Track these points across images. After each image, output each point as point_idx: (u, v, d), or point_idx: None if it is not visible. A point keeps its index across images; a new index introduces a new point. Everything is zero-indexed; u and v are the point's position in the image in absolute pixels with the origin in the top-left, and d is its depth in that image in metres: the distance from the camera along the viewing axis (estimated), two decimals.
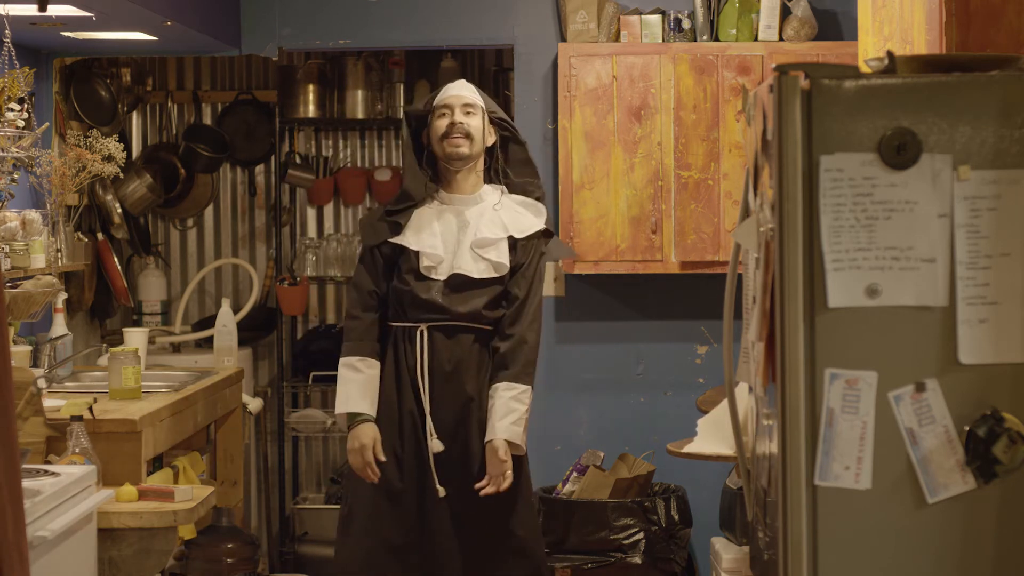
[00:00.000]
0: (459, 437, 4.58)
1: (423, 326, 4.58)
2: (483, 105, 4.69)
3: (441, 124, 4.63)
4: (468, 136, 4.62)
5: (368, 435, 4.53)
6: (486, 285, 4.60)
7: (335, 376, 4.47)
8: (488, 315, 4.60)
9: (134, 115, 7.19)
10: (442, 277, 4.60)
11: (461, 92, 4.68)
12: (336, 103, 7.07)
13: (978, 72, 3.10)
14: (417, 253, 4.61)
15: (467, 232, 4.63)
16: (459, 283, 4.59)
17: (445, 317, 4.58)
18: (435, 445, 4.55)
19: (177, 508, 4.35)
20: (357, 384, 4.59)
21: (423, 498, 4.58)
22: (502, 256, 4.61)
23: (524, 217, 4.68)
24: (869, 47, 4.23)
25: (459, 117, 4.62)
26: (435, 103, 4.69)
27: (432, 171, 4.70)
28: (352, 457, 4.56)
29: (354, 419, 4.57)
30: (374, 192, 7.25)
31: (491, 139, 4.71)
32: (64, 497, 3.83)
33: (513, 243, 4.64)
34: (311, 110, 6.99)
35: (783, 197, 3.07)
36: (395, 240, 4.64)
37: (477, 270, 4.60)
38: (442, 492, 4.54)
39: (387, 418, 4.59)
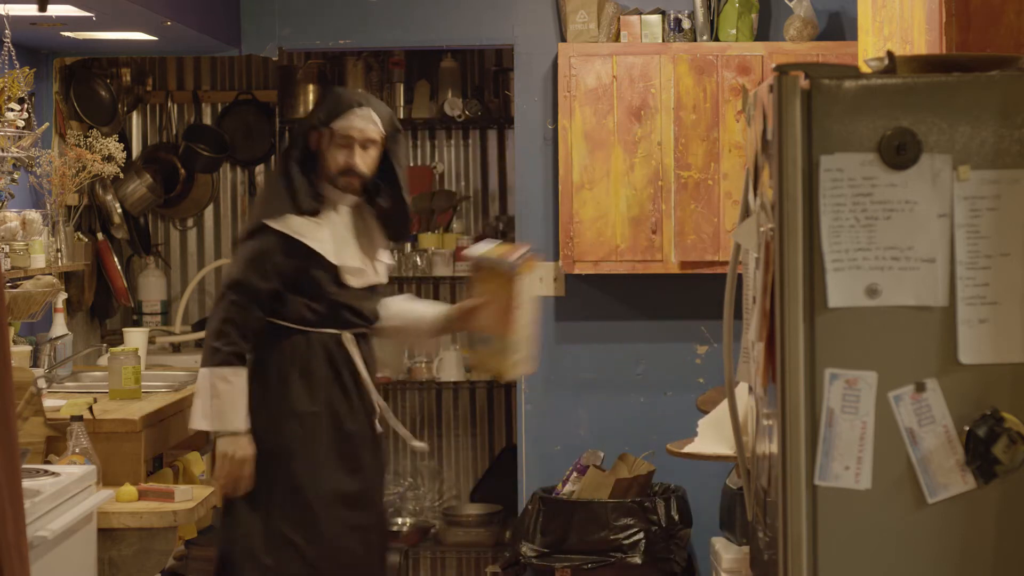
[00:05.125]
0: None
1: None
2: (384, 131, 4.50)
3: (339, 158, 4.45)
4: (362, 177, 4.47)
5: None
6: None
7: None
8: None
9: (134, 115, 7.19)
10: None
11: (366, 126, 4.46)
12: None
13: (978, 72, 3.10)
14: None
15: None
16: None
17: None
18: None
19: (177, 508, 4.35)
20: None
21: None
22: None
23: None
24: (869, 47, 4.23)
25: (357, 159, 4.45)
26: (335, 124, 4.46)
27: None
28: None
29: None
30: None
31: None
32: (64, 497, 3.83)
33: None
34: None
35: (783, 197, 3.07)
36: None
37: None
38: None
39: None
